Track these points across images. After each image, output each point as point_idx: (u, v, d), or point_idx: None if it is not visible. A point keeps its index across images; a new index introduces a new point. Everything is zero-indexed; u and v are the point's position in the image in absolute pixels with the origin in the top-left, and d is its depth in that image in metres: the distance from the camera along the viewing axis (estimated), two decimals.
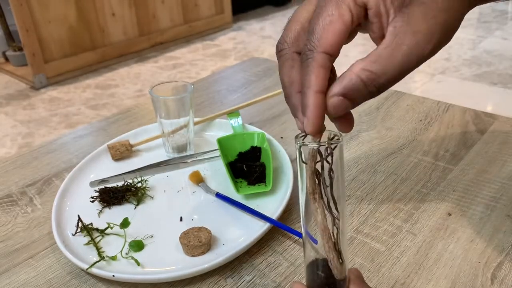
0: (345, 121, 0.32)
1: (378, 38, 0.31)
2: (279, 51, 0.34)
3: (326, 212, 0.32)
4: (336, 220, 0.32)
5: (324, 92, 0.30)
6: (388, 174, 0.62)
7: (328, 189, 0.31)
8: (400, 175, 0.62)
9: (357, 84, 0.29)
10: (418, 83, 2.41)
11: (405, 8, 0.29)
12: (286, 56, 0.33)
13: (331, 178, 0.31)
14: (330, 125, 0.32)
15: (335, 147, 0.31)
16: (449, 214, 0.54)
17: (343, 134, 0.32)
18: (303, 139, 0.32)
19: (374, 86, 0.29)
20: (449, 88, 2.37)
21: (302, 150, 0.31)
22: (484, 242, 0.50)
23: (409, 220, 0.54)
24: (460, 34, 3.01)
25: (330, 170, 0.31)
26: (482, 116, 0.74)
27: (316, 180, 0.31)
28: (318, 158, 0.31)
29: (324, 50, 0.30)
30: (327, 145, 0.30)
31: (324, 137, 0.31)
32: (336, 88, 0.29)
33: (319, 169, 0.31)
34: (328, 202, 0.32)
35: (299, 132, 0.32)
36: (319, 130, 0.30)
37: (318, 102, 0.30)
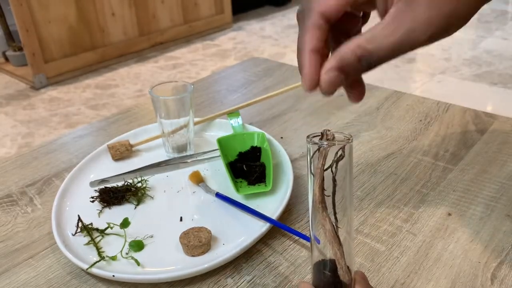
0: (357, 90, 0.34)
1: (382, 15, 0.31)
2: (297, 17, 0.35)
3: (334, 220, 0.33)
4: (340, 228, 0.33)
5: (319, 51, 0.31)
6: (388, 174, 0.62)
7: (330, 197, 0.32)
8: (400, 175, 0.62)
9: (352, 59, 0.30)
10: (418, 83, 2.41)
11: None
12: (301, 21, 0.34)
13: (334, 186, 0.32)
14: (333, 127, 0.33)
15: (344, 146, 0.31)
16: (449, 214, 0.54)
17: (352, 136, 0.33)
18: (314, 138, 0.33)
19: (366, 62, 0.30)
20: (449, 88, 2.37)
21: (312, 156, 0.32)
22: (484, 242, 0.50)
23: (409, 220, 0.54)
24: (460, 34, 3.01)
25: (334, 178, 0.32)
26: (482, 116, 0.74)
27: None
28: (327, 165, 0.32)
29: (321, 10, 0.31)
30: (337, 143, 0.31)
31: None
32: (332, 61, 0.30)
33: (333, 172, 0.32)
34: (334, 210, 0.32)
35: (310, 133, 0.33)
36: (315, 86, 0.31)
37: (311, 61, 0.31)
